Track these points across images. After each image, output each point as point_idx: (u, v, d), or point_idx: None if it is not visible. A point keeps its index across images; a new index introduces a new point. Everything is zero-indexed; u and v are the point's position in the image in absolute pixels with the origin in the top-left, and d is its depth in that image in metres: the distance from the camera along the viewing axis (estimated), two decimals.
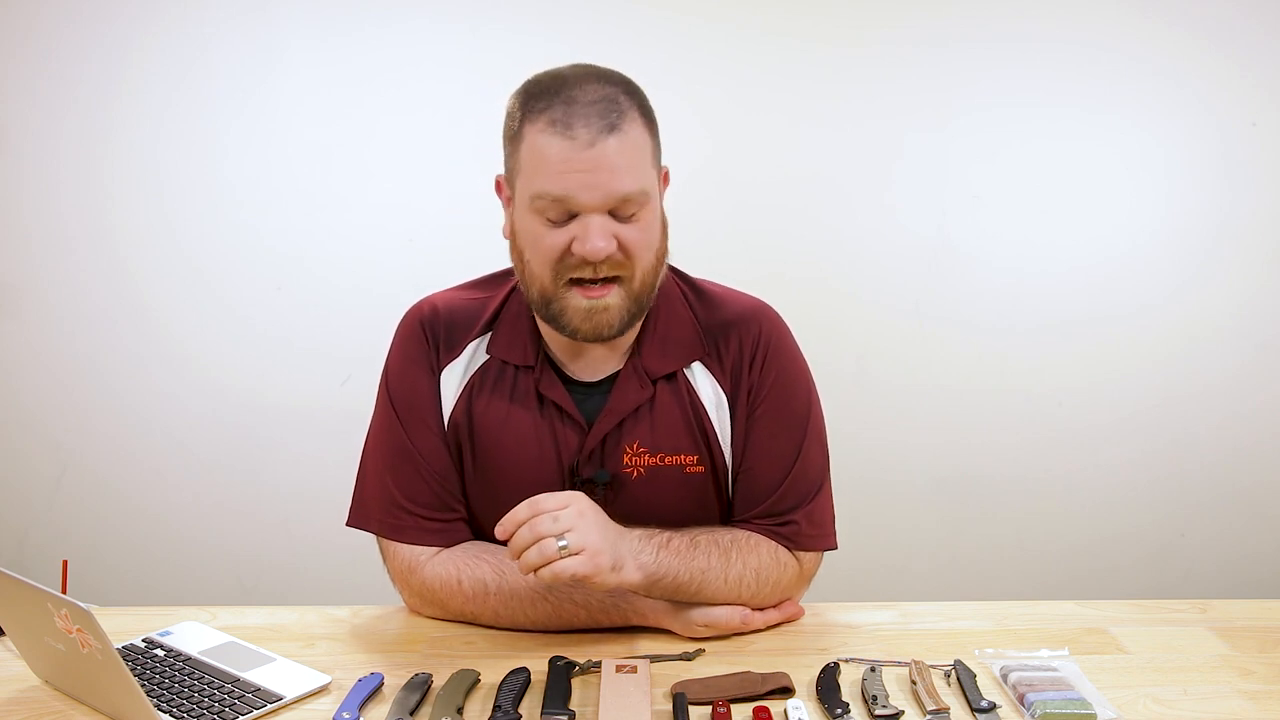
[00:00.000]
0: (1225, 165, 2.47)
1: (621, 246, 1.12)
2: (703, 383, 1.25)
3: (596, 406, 1.23)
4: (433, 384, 1.25)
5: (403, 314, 1.31)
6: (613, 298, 1.14)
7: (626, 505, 1.22)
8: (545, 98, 1.11)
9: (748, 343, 1.25)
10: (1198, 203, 2.49)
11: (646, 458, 1.23)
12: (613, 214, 1.11)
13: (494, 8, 2.39)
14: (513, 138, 1.14)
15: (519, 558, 1.05)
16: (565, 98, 1.10)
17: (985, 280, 2.51)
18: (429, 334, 1.26)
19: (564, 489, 1.22)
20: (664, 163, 1.22)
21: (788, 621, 1.24)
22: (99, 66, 2.39)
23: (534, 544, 1.05)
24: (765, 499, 1.24)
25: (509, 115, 1.16)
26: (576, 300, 1.14)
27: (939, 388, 2.53)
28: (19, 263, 2.45)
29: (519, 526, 1.06)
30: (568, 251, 1.11)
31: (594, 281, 1.13)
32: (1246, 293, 2.51)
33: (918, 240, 2.49)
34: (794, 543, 1.23)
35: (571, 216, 1.11)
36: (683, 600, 1.18)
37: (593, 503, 1.10)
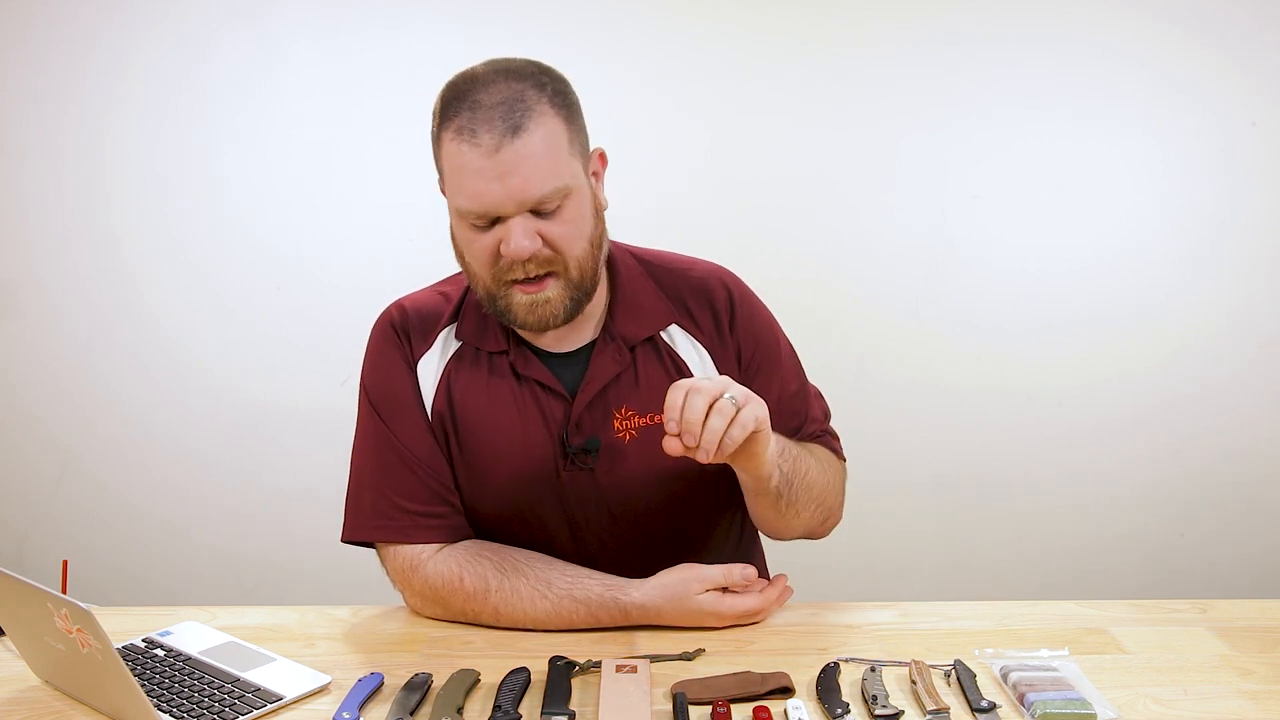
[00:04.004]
0: (1225, 165, 2.47)
1: (548, 243, 1.13)
2: (682, 343, 1.28)
3: (576, 376, 1.25)
4: (412, 379, 1.26)
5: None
6: (551, 290, 1.16)
7: (624, 469, 1.24)
8: (455, 103, 1.12)
9: (720, 306, 1.29)
10: (1198, 203, 2.49)
11: (636, 420, 1.25)
12: (535, 212, 1.12)
13: (494, 9, 2.39)
14: (434, 142, 1.16)
15: (697, 431, 1.04)
16: (471, 102, 1.10)
17: (985, 280, 2.51)
18: (400, 332, 1.28)
19: (555, 461, 1.24)
20: (598, 145, 1.23)
21: (780, 603, 1.25)
22: (99, 66, 2.39)
23: (708, 410, 1.04)
24: (798, 431, 1.32)
25: (431, 116, 1.16)
26: (518, 297, 1.16)
27: (939, 388, 2.53)
28: (19, 263, 2.45)
29: (679, 409, 1.05)
30: (498, 254, 1.14)
31: (529, 280, 1.15)
32: (1246, 293, 2.51)
33: (917, 240, 2.49)
34: (835, 453, 1.36)
35: (495, 220, 1.13)
36: (784, 498, 1.22)
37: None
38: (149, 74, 2.40)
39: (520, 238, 1.11)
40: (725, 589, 1.20)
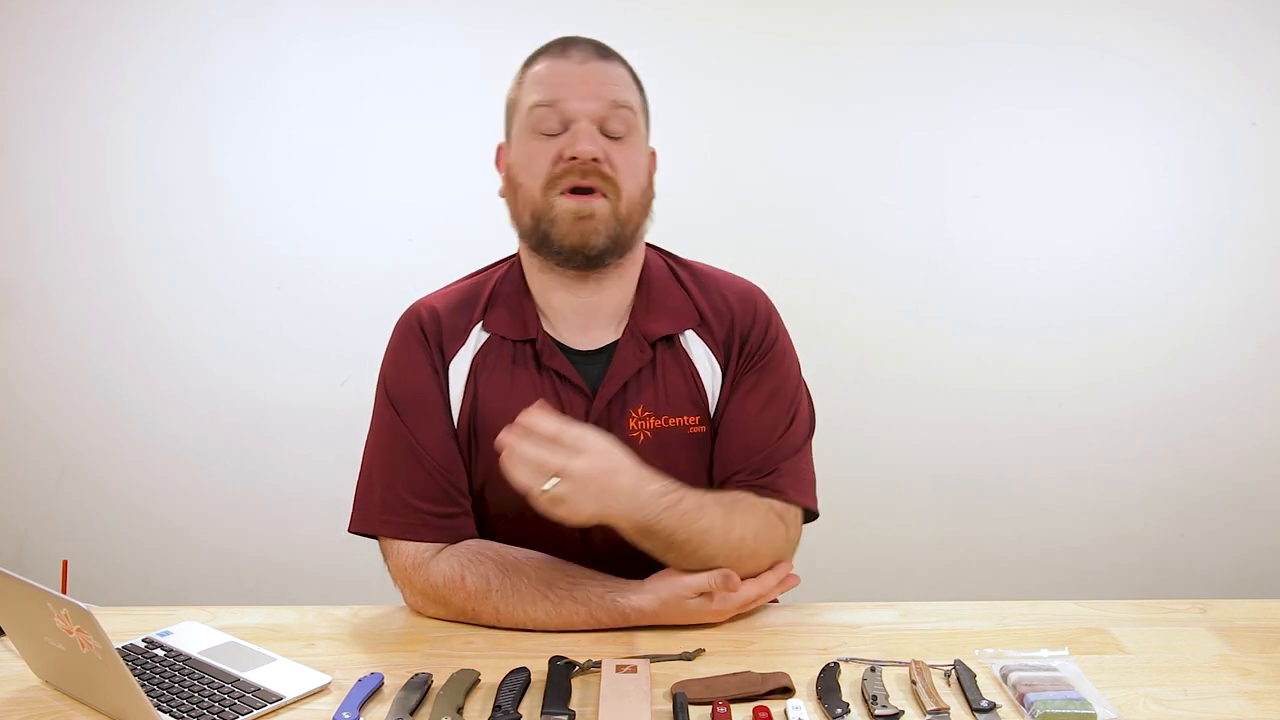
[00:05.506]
0: (1225, 165, 2.47)
1: (609, 161, 1.18)
2: (696, 349, 1.28)
3: (598, 374, 1.25)
4: (434, 380, 1.26)
5: (398, 317, 1.32)
6: (599, 206, 1.19)
7: None
8: (545, 47, 1.25)
9: (745, 316, 1.29)
10: (1198, 203, 2.49)
11: (651, 421, 1.25)
12: (603, 133, 1.19)
13: (494, 9, 2.39)
14: (513, 89, 1.26)
15: (513, 463, 1.06)
16: (563, 39, 1.25)
17: (985, 280, 2.51)
18: (428, 333, 1.28)
19: None
20: (656, 150, 1.31)
21: (784, 589, 1.25)
22: (99, 66, 2.39)
23: (529, 464, 1.06)
24: (750, 458, 1.26)
25: (510, 87, 1.27)
26: (566, 204, 1.18)
27: (939, 388, 2.53)
28: (19, 263, 2.45)
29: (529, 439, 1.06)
30: (559, 158, 1.18)
31: (582, 191, 1.18)
32: (1246, 293, 2.51)
33: (917, 240, 2.49)
34: (777, 491, 1.25)
35: (564, 131, 1.19)
36: (679, 558, 1.17)
37: (609, 459, 1.09)
38: (149, 74, 2.40)
39: (586, 140, 1.17)
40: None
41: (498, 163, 1.30)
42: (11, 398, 2.49)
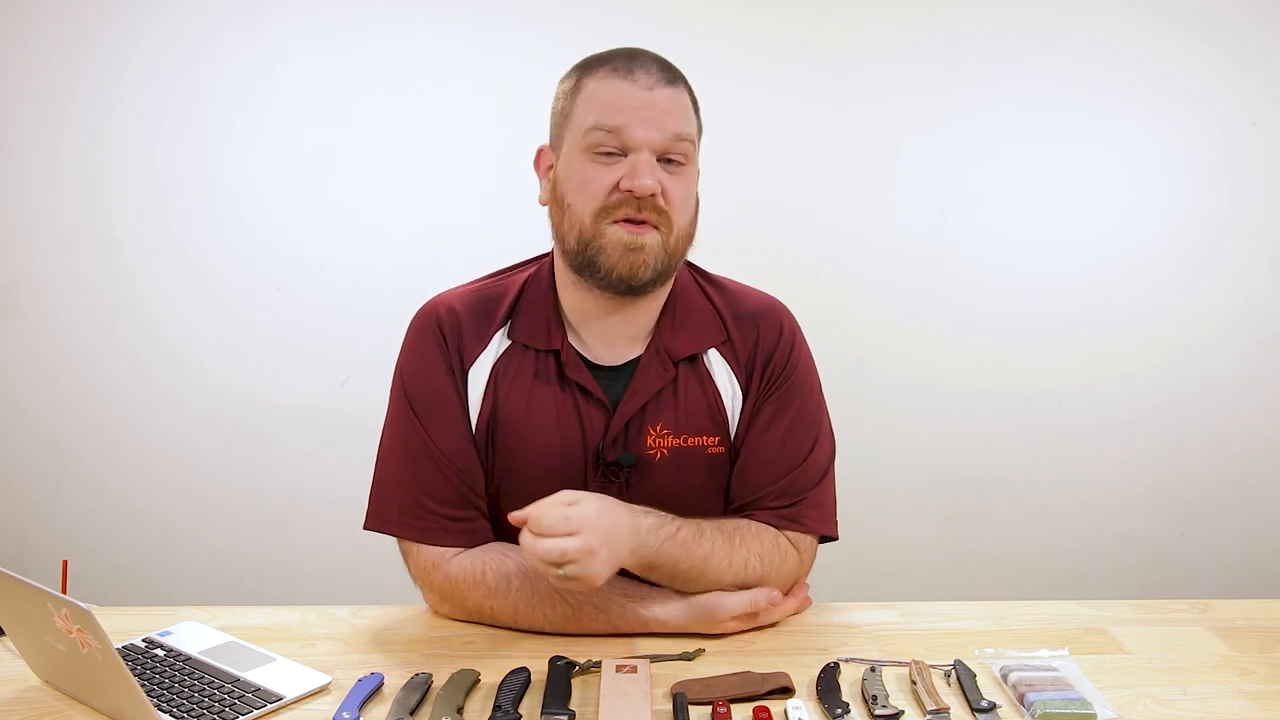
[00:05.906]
0: (1225, 165, 2.47)
1: (664, 194, 1.16)
2: (719, 369, 1.27)
3: (620, 390, 1.24)
4: (452, 382, 1.24)
5: (411, 314, 1.30)
6: (650, 239, 1.17)
7: (650, 488, 1.23)
8: (605, 58, 1.19)
9: (769, 337, 1.28)
10: (1198, 203, 2.49)
11: (670, 439, 1.24)
12: (660, 162, 1.17)
13: (494, 9, 2.39)
14: (566, 96, 1.21)
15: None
16: (626, 54, 1.19)
17: (985, 280, 2.51)
18: (446, 334, 1.26)
19: (589, 472, 1.23)
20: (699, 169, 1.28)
21: (797, 611, 1.25)
22: (99, 66, 2.39)
23: (537, 559, 1.08)
24: (772, 484, 1.25)
25: (561, 91, 1.22)
26: (618, 234, 1.16)
27: (939, 388, 2.53)
28: (19, 263, 2.45)
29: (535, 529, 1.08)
30: (615, 188, 1.16)
31: (635, 222, 1.16)
32: (1246, 293, 2.51)
33: (917, 240, 2.49)
34: (797, 523, 1.25)
35: (622, 156, 1.16)
36: (685, 585, 1.18)
37: (601, 519, 1.09)
38: (149, 74, 2.39)
39: (647, 174, 1.14)
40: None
41: (537, 165, 1.27)
42: (11, 398, 2.49)
